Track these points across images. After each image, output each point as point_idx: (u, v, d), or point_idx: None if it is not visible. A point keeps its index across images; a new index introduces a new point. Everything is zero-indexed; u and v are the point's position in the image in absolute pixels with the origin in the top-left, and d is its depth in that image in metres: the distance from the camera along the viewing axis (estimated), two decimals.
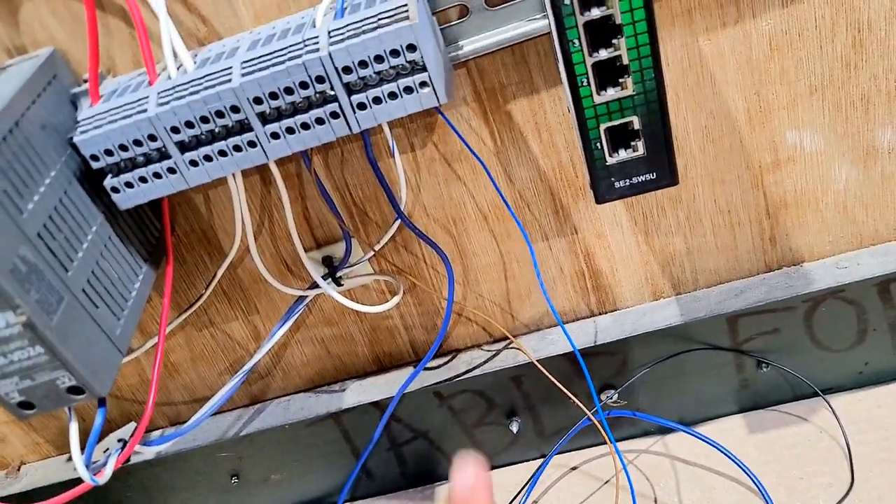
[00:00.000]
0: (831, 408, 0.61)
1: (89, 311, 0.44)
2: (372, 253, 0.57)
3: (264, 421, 0.64)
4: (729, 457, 0.55)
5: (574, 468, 0.66)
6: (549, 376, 0.56)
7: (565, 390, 0.56)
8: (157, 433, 0.68)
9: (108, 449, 0.48)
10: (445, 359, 0.63)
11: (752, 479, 0.54)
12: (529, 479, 0.64)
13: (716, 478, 0.61)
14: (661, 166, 0.42)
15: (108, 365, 0.44)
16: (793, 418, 0.63)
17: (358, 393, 0.63)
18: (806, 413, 0.63)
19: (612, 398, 0.62)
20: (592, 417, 0.56)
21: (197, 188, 0.55)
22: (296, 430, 0.65)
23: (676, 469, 0.63)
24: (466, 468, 0.40)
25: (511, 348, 0.62)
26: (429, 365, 0.63)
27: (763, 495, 0.54)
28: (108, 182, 0.46)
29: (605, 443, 0.66)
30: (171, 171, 0.46)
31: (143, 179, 0.46)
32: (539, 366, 0.57)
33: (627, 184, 0.43)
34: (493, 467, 0.68)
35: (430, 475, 0.69)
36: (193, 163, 0.45)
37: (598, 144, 0.41)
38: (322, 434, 0.65)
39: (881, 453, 0.58)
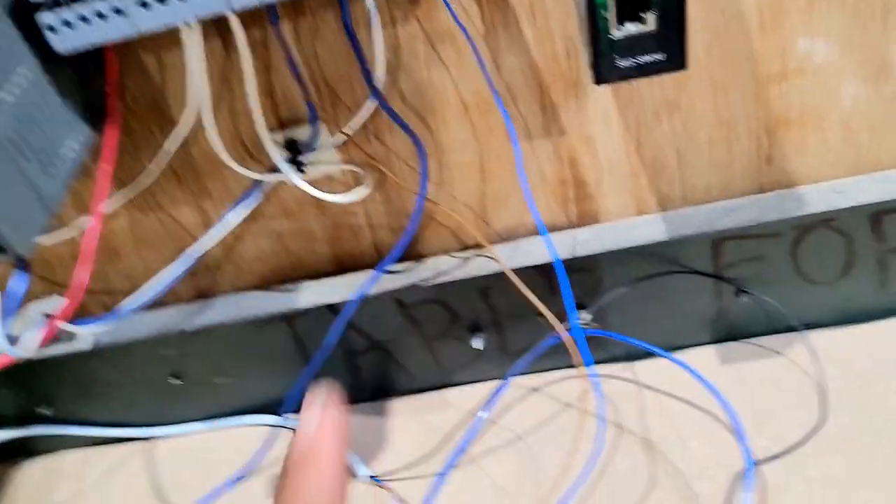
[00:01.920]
0: (809, 343, 0.58)
1: (16, 161, 0.38)
2: (341, 137, 0.52)
3: (211, 317, 0.60)
4: (703, 381, 0.52)
5: (536, 390, 0.63)
6: (522, 286, 0.53)
7: (538, 302, 0.52)
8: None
9: (29, 323, 0.43)
10: (409, 263, 0.59)
11: (722, 405, 0.52)
12: (488, 399, 0.61)
13: (682, 406, 0.59)
14: (672, 46, 0.38)
15: (32, 221, 0.39)
16: (767, 351, 0.60)
17: (315, 293, 0.59)
18: (781, 347, 0.60)
19: (584, 319, 0.59)
20: (565, 334, 0.53)
21: (149, 49, 0.50)
22: (244, 331, 0.60)
23: (643, 396, 0.60)
24: (311, 409, 0.36)
25: (482, 256, 0.58)
26: (392, 269, 0.59)
27: (734, 423, 0.51)
28: (44, 18, 0.40)
29: (570, 366, 0.64)
30: (118, 11, 0.40)
31: (84, 19, 0.40)
32: (512, 275, 0.53)
33: (633, 63, 0.38)
34: (454, 384, 0.65)
35: (386, 388, 0.66)
36: (144, 4, 0.40)
37: (605, 11, 0.37)
38: (272, 337, 0.61)
39: (855, 391, 0.56)
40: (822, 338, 0.60)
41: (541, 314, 0.59)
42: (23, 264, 0.38)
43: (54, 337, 0.43)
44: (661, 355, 0.54)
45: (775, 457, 0.53)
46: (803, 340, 0.60)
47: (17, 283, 0.38)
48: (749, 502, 0.48)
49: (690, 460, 0.55)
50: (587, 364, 0.52)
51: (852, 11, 0.48)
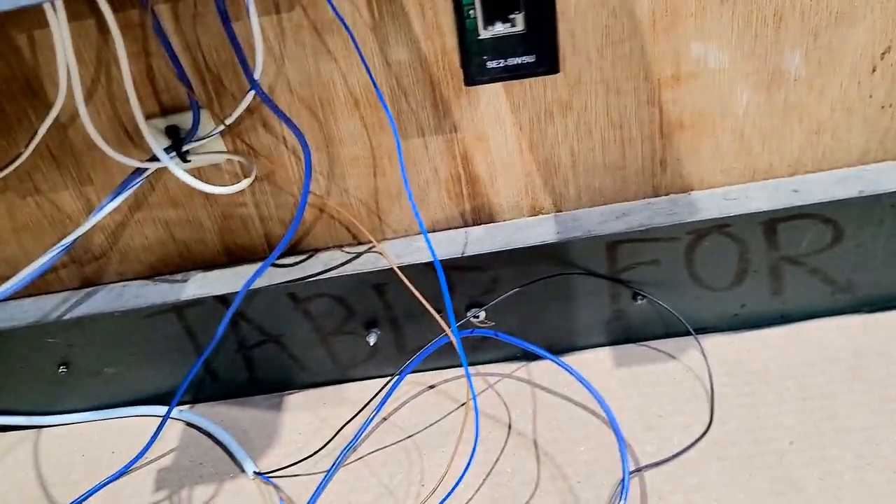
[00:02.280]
0: (701, 348, 0.58)
1: None
2: (222, 126, 0.50)
3: (94, 305, 0.58)
4: (588, 388, 0.52)
5: (432, 387, 0.63)
6: (409, 285, 0.52)
7: (423, 301, 0.51)
8: None
9: None
10: (302, 257, 0.58)
11: (604, 410, 0.51)
12: (380, 392, 0.60)
13: (574, 409, 0.58)
14: (542, 48, 0.37)
15: None
16: (661, 355, 0.60)
17: (201, 285, 0.57)
18: (675, 351, 0.60)
19: (478, 317, 0.58)
20: (451, 334, 0.52)
21: (21, 27, 0.47)
22: (132, 320, 0.58)
23: (536, 397, 0.60)
24: None
25: (374, 252, 0.56)
26: (283, 262, 0.58)
27: (614, 430, 0.51)
28: None
29: (475, 363, 0.63)
30: None
31: None
32: (399, 272, 0.52)
33: (502, 65, 0.37)
34: (350, 380, 0.64)
35: (281, 383, 0.64)
36: None
37: (471, 12, 0.35)
38: (162, 327, 0.59)
39: (743, 398, 0.56)
40: (714, 342, 0.60)
41: (440, 310, 0.59)
42: None
43: None
44: (547, 358, 0.53)
45: (658, 463, 0.53)
46: (696, 345, 0.60)
47: None
48: None
49: (577, 465, 0.55)
50: (464, 364, 0.51)
51: (744, 19, 0.47)
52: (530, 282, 0.56)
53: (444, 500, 0.52)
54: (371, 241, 0.56)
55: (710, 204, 0.53)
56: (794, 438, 0.53)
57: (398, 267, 0.51)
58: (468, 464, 0.52)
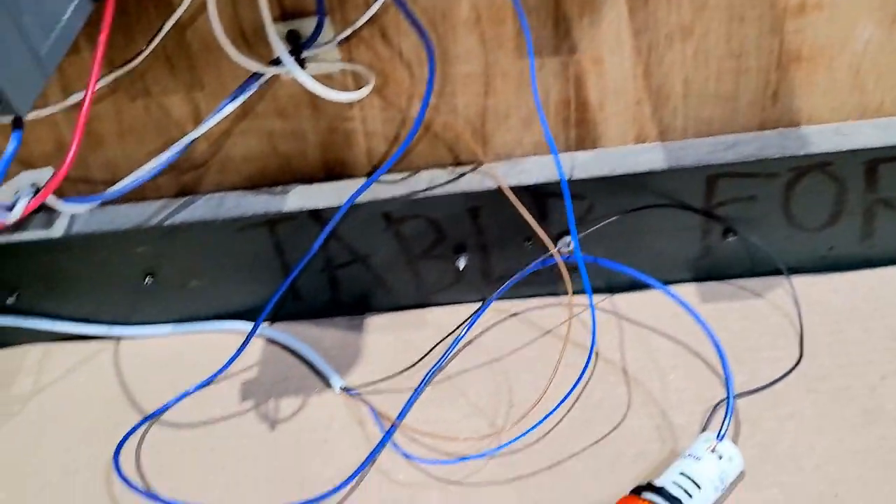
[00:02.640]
0: (791, 285, 0.59)
1: (17, 18, 0.36)
2: (346, 33, 0.50)
3: (192, 213, 0.58)
4: (693, 314, 0.53)
5: (515, 314, 0.63)
6: (519, 204, 0.52)
7: (533, 221, 0.52)
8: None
9: (18, 191, 0.41)
10: (403, 175, 0.58)
11: (709, 337, 0.52)
12: (468, 319, 0.60)
13: (661, 339, 0.59)
14: None
15: (30, 81, 0.37)
16: (747, 293, 0.61)
17: (301, 198, 0.58)
18: (762, 289, 0.61)
19: (569, 246, 0.58)
20: (557, 255, 0.53)
21: None
22: (226, 232, 0.59)
23: (622, 328, 0.61)
24: None
25: (477, 173, 0.57)
26: (384, 179, 0.58)
27: (719, 354, 0.52)
28: None
29: (551, 294, 0.64)
30: None
31: None
32: (509, 192, 0.52)
33: None
34: (432, 305, 0.64)
35: (363, 304, 0.65)
36: None
37: None
38: (252, 242, 0.59)
39: (832, 335, 0.57)
40: (800, 282, 0.60)
41: (528, 239, 0.59)
42: (18, 123, 0.36)
43: (36, 210, 0.41)
44: (655, 287, 0.54)
45: (750, 393, 0.54)
46: (785, 284, 0.60)
47: (10, 142, 0.36)
48: (725, 431, 0.48)
49: (668, 392, 0.56)
50: (586, 289, 0.52)
51: None
52: (624, 211, 0.57)
53: (541, 422, 0.53)
54: (477, 161, 0.56)
55: (820, 139, 0.53)
56: (886, 374, 0.54)
57: (509, 187, 0.52)
58: (572, 388, 0.52)
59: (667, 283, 0.62)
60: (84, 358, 0.66)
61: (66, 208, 0.46)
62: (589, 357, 0.53)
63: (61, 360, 0.65)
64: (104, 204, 0.59)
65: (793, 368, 0.55)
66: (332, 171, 0.59)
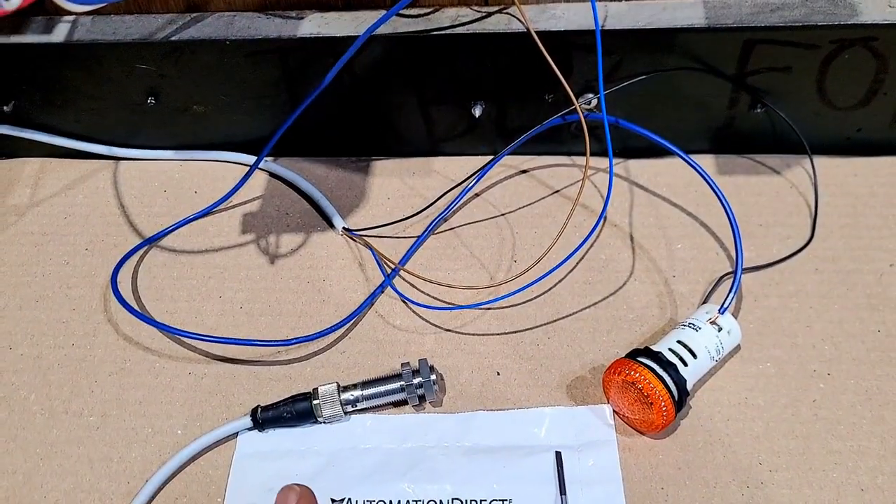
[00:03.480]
0: (812, 164, 0.57)
1: None
2: None
3: (199, 31, 0.55)
4: (711, 183, 0.51)
5: (524, 171, 0.62)
6: (543, 50, 0.49)
7: (555, 68, 0.49)
8: None
9: None
10: (427, 10, 0.54)
11: (725, 207, 0.51)
12: (478, 171, 0.59)
13: (672, 209, 0.58)
14: None
15: None
16: (767, 169, 0.60)
17: (317, 25, 0.54)
18: (781, 166, 0.59)
19: (590, 103, 0.56)
20: (580, 111, 0.50)
21: None
22: (233, 55, 0.56)
23: (634, 193, 0.59)
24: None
25: (505, 14, 0.53)
26: (408, 13, 0.54)
27: (732, 226, 0.51)
28: None
29: (562, 153, 0.62)
30: None
31: None
32: (535, 37, 0.49)
33: None
34: (441, 154, 0.62)
35: (372, 146, 0.63)
36: None
37: None
38: (261, 69, 0.57)
39: (846, 218, 0.56)
40: (822, 163, 0.59)
41: (549, 92, 0.57)
42: None
43: (37, 5, 0.38)
44: (675, 153, 0.52)
45: (757, 268, 0.54)
46: (805, 163, 0.59)
47: None
48: (729, 304, 0.48)
49: (673, 261, 0.55)
50: (608, 149, 0.50)
51: None
52: (652, 72, 0.54)
53: (541, 278, 0.53)
54: (506, 1, 0.53)
55: (872, 9, 0.50)
56: (895, 261, 0.53)
57: (536, 32, 0.49)
58: (578, 247, 0.52)
59: (688, 152, 0.60)
60: (82, 175, 0.64)
61: (68, 6, 0.43)
62: (599, 219, 0.52)
63: (59, 176, 0.64)
64: (108, 13, 0.56)
65: (802, 248, 0.54)
66: (351, 1, 0.55)
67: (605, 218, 0.58)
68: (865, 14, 0.50)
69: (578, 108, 0.50)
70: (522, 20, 0.51)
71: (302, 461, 0.48)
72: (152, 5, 0.55)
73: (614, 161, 0.61)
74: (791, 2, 0.51)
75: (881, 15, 0.50)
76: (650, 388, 0.44)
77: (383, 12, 0.53)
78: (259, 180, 0.63)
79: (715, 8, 0.51)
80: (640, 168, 0.61)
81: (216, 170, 0.64)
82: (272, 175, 0.63)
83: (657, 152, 0.58)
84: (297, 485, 0.37)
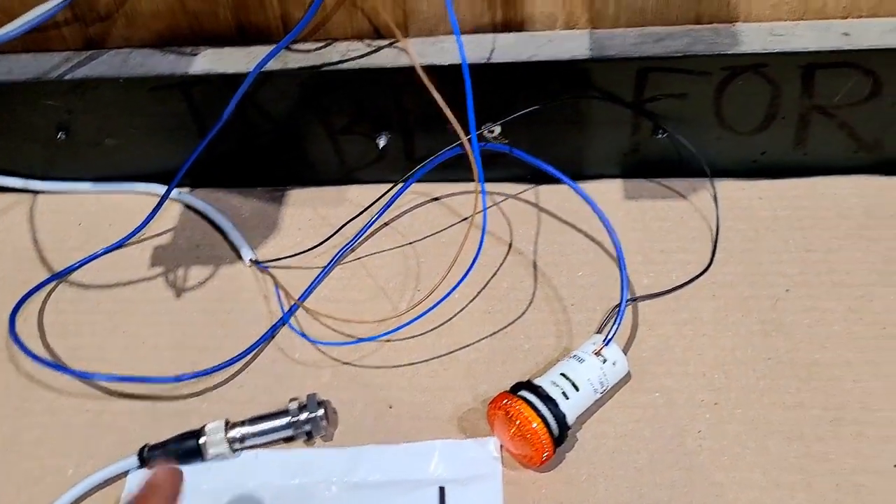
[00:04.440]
0: (714, 189, 0.58)
1: None
2: None
3: (97, 69, 0.55)
4: (596, 211, 0.51)
5: (436, 199, 0.62)
6: (429, 85, 0.49)
7: (443, 103, 0.49)
8: None
9: None
10: (319, 44, 0.55)
11: (610, 236, 0.51)
12: (385, 194, 0.59)
13: (577, 235, 0.58)
14: None
15: None
16: (672, 193, 0.60)
17: (211, 60, 0.55)
18: (687, 190, 0.59)
19: (493, 132, 0.56)
20: (465, 141, 0.50)
21: None
22: (136, 90, 0.56)
23: (541, 220, 0.59)
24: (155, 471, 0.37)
25: (395, 48, 0.54)
26: (299, 48, 0.55)
27: (619, 256, 0.51)
28: None
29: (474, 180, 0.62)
30: None
31: None
32: (421, 71, 0.49)
33: None
34: (354, 182, 0.63)
35: (284, 176, 0.63)
36: None
37: None
38: (167, 102, 0.57)
39: (748, 243, 0.56)
40: (728, 187, 0.59)
41: (448, 122, 0.57)
42: None
43: None
44: (561, 180, 0.52)
45: (653, 296, 0.54)
46: (708, 187, 0.59)
47: None
48: (612, 336, 0.48)
49: (573, 288, 0.55)
50: (479, 178, 0.50)
51: None
52: (553, 101, 0.54)
53: (436, 305, 0.53)
54: (395, 36, 0.53)
55: (754, 38, 0.50)
56: (791, 286, 0.53)
57: (426, 66, 0.49)
58: (467, 272, 0.52)
59: (594, 176, 0.61)
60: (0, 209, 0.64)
61: None
62: (480, 245, 0.52)
63: None
64: (2, 52, 0.57)
65: (700, 274, 0.54)
66: (247, 35, 0.56)
67: (511, 246, 0.58)
68: (747, 43, 0.50)
69: (464, 142, 0.50)
70: (409, 55, 0.51)
71: (190, 502, 0.47)
72: (50, 44, 0.56)
73: (525, 187, 0.61)
74: (675, 31, 0.51)
75: (762, 44, 0.50)
76: (528, 423, 0.44)
77: (274, 46, 0.53)
78: (173, 212, 0.63)
79: (600, 39, 0.51)
80: (549, 194, 0.61)
81: (132, 202, 0.64)
82: (187, 206, 0.63)
83: None
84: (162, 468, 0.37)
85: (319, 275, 0.57)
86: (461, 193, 0.62)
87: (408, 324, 0.52)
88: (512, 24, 0.53)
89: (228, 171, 0.63)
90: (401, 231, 0.60)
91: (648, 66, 0.51)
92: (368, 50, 0.54)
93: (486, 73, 0.51)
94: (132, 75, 0.55)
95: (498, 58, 0.51)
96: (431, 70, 0.51)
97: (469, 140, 0.49)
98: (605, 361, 0.47)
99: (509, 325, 0.54)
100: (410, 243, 0.59)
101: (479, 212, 0.54)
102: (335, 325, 0.54)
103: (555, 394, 0.46)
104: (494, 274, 0.56)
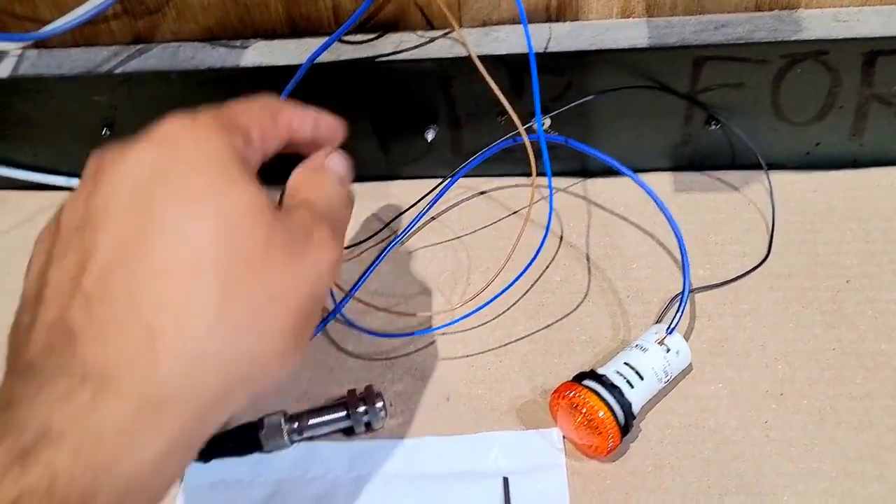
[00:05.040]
0: (769, 180, 0.57)
1: None
2: None
3: (147, 63, 0.55)
4: (659, 204, 0.50)
5: (482, 193, 0.61)
6: (486, 75, 0.49)
7: (501, 95, 0.49)
8: None
9: None
10: (371, 36, 0.54)
11: (673, 228, 0.50)
12: (431, 192, 0.58)
13: (629, 227, 0.58)
14: None
15: None
16: (725, 185, 0.59)
17: (263, 54, 0.54)
18: (740, 182, 0.59)
19: (544, 124, 0.55)
20: (524, 133, 0.50)
21: None
22: (185, 84, 0.56)
23: (591, 213, 0.59)
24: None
25: (448, 39, 0.53)
26: (351, 40, 0.54)
27: (680, 247, 0.50)
28: None
29: (521, 174, 0.61)
30: None
31: None
32: (477, 61, 0.49)
33: None
34: (399, 177, 0.62)
35: None
36: None
37: None
38: (217, 96, 0.56)
39: (804, 234, 0.55)
40: (781, 179, 0.58)
41: (501, 114, 0.56)
42: None
43: None
44: (624, 173, 0.51)
45: (709, 287, 0.53)
46: (761, 178, 0.58)
47: None
48: (675, 324, 0.47)
49: (628, 281, 0.54)
50: (546, 171, 0.49)
51: None
52: (604, 91, 0.54)
53: (496, 297, 0.52)
54: (448, 26, 0.53)
55: (817, 24, 0.50)
56: (851, 277, 0.52)
57: (480, 56, 0.48)
58: (528, 265, 0.51)
59: (644, 170, 0.60)
60: (42, 207, 0.64)
61: (4, 45, 0.43)
62: (543, 240, 0.51)
63: (19, 208, 0.64)
64: (53, 47, 0.57)
65: (758, 266, 0.54)
66: (297, 28, 0.55)
67: (562, 239, 0.57)
68: (811, 29, 0.49)
69: (522, 132, 0.50)
70: (466, 45, 0.51)
71: (248, 491, 0.47)
72: (98, 38, 0.56)
73: (575, 180, 0.61)
74: (736, 18, 0.51)
75: (826, 30, 0.49)
76: (594, 412, 0.43)
77: (326, 38, 0.53)
78: None
79: (658, 27, 0.51)
80: (598, 187, 0.60)
81: None
82: None
83: (616, 171, 0.57)
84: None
85: (369, 268, 0.56)
86: (509, 187, 0.61)
87: (463, 318, 0.52)
88: (567, 14, 0.53)
89: (275, 166, 0.62)
90: (449, 225, 0.59)
91: (706, 54, 0.51)
92: (421, 41, 0.53)
93: (544, 62, 0.51)
94: (183, 69, 0.54)
95: (555, 47, 0.51)
96: (485, 60, 0.51)
97: (527, 131, 0.49)
98: (668, 351, 0.47)
99: (564, 317, 0.53)
100: (459, 237, 0.59)
101: (536, 202, 0.53)
102: (389, 318, 0.54)
103: (620, 382, 0.45)
104: (547, 267, 0.56)
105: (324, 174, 0.38)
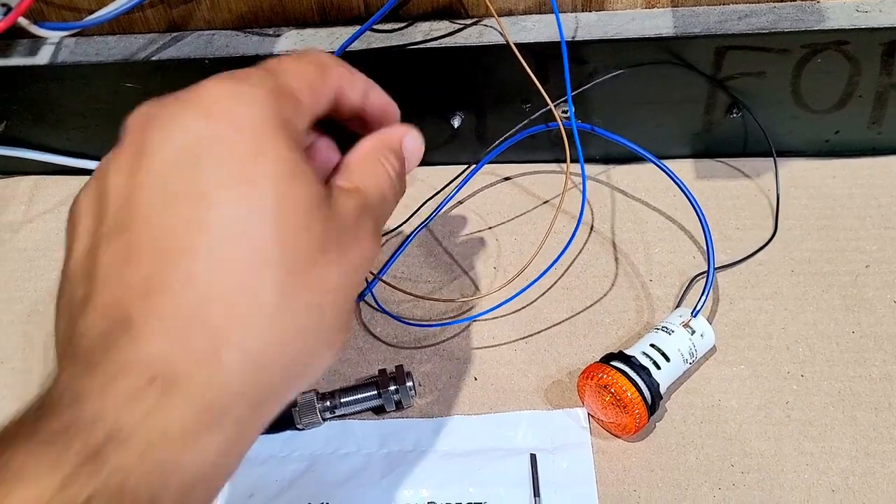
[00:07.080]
0: (776, 165, 0.58)
1: None
2: None
3: (180, 50, 0.56)
4: (684, 190, 0.51)
5: (507, 178, 0.63)
6: (521, 60, 0.50)
7: (535, 79, 0.50)
8: None
9: None
10: (401, 24, 0.55)
11: (697, 212, 0.51)
12: (457, 178, 0.59)
13: (651, 213, 0.59)
14: None
15: None
16: (744, 173, 0.60)
17: (295, 42, 0.56)
18: (758, 170, 0.60)
19: (566, 112, 0.57)
20: (558, 118, 0.51)
21: None
22: (218, 72, 0.57)
23: (615, 199, 0.60)
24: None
25: (480, 25, 0.54)
26: (382, 28, 0.55)
27: (704, 229, 0.51)
28: None
29: (546, 160, 0.62)
30: None
31: None
32: (513, 47, 0.50)
33: None
34: (431, 163, 0.63)
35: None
36: None
37: None
38: None
39: (823, 220, 0.56)
40: (801, 166, 0.59)
41: (526, 101, 0.57)
42: None
43: (14, 35, 0.40)
44: (651, 161, 0.52)
45: (729, 265, 0.54)
46: (783, 165, 0.59)
47: None
48: (701, 307, 0.48)
49: (651, 265, 0.56)
50: (579, 157, 0.50)
51: None
52: (630, 66, 0.54)
53: (529, 286, 0.52)
54: (479, 15, 0.54)
55: (840, 14, 0.51)
56: (871, 262, 0.54)
57: (514, 43, 0.49)
58: (561, 253, 0.52)
59: (665, 157, 0.61)
60: (75, 192, 0.65)
61: (40, 32, 0.44)
62: (576, 229, 0.52)
63: (53, 193, 0.66)
64: (90, 34, 0.58)
65: (776, 250, 0.55)
66: (328, 17, 0.56)
67: (589, 226, 0.58)
68: (833, 19, 0.50)
69: (556, 116, 0.51)
70: (501, 32, 0.52)
71: (282, 467, 0.48)
72: (134, 26, 0.57)
73: (598, 167, 0.62)
74: (758, 8, 0.52)
75: (849, 20, 0.50)
76: (623, 392, 0.45)
77: (358, 27, 0.54)
78: None
79: (683, 17, 0.52)
80: (621, 174, 0.61)
81: None
82: None
83: (638, 158, 0.58)
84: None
85: (395, 253, 0.58)
86: (533, 173, 0.62)
87: (495, 307, 0.52)
88: (593, 3, 0.54)
89: None
90: (475, 211, 0.60)
91: (729, 44, 0.52)
92: (452, 29, 0.54)
93: (571, 51, 0.52)
94: (218, 56, 0.55)
95: (582, 35, 0.52)
96: (508, 50, 0.52)
97: (549, 119, 0.50)
98: (693, 333, 0.48)
99: (589, 300, 0.54)
100: (487, 224, 0.60)
101: (570, 188, 0.54)
102: (417, 304, 0.55)
103: (647, 363, 0.46)
104: (579, 252, 0.57)
105: (384, 163, 0.36)
